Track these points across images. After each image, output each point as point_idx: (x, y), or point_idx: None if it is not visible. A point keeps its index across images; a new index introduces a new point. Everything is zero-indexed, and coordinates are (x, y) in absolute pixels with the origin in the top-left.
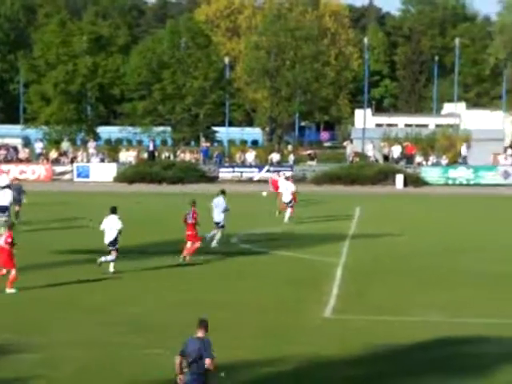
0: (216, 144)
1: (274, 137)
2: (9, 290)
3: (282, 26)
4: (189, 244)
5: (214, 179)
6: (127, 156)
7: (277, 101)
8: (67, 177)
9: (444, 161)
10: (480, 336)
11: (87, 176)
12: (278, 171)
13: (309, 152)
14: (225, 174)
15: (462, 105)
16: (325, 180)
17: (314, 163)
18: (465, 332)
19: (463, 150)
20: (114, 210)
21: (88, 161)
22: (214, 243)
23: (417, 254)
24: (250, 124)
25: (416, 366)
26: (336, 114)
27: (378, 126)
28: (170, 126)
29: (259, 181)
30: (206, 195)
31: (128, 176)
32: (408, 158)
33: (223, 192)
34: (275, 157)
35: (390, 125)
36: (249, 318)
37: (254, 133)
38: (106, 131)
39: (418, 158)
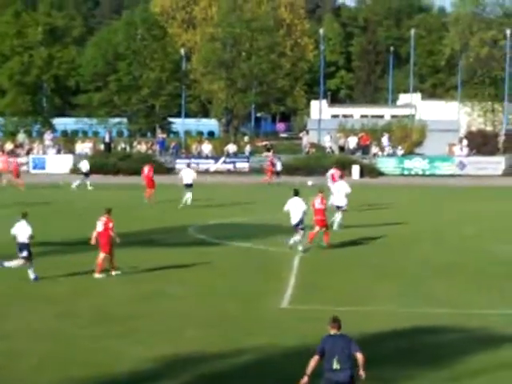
0: (172, 135)
1: (230, 128)
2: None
3: (238, 17)
4: (316, 228)
5: (170, 170)
6: (83, 147)
7: (233, 92)
8: (23, 168)
9: (400, 151)
10: (438, 326)
11: (43, 168)
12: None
13: (265, 143)
14: (181, 165)
15: (418, 95)
16: (281, 171)
17: (270, 154)
18: (423, 322)
19: (384, 141)
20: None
21: (44, 152)
22: (297, 246)
23: (374, 244)
24: (206, 115)
25: (375, 356)
26: (292, 105)
27: (334, 116)
28: (126, 117)
29: (216, 172)
30: (164, 186)
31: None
32: (364, 149)
33: (297, 192)
34: (231, 148)
35: (345, 116)
36: (205, 309)
37: (210, 124)
38: (61, 123)
39: (374, 149)
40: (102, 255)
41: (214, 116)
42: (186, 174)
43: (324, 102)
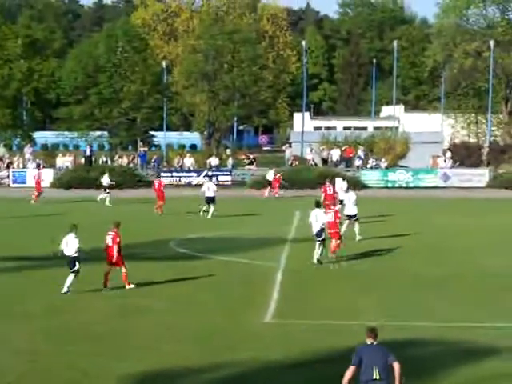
0: (154, 148)
1: (213, 141)
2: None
3: (220, 29)
4: (333, 242)
5: (151, 184)
6: (64, 161)
7: (215, 104)
8: (3, 182)
9: (383, 164)
10: (425, 339)
11: (24, 182)
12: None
13: (245, 155)
14: (163, 178)
15: (401, 108)
16: (264, 184)
17: (253, 167)
18: (410, 335)
19: (360, 154)
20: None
21: (24, 166)
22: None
23: (360, 257)
24: (188, 128)
25: None
26: (274, 117)
27: (317, 129)
28: (107, 130)
29: (198, 185)
30: (145, 200)
31: (65, 181)
32: (347, 161)
33: (319, 204)
34: (213, 161)
35: (328, 128)
36: (188, 324)
37: (192, 137)
38: (42, 136)
39: (357, 161)
40: (123, 269)
41: (195, 129)
42: (208, 188)
43: (307, 115)
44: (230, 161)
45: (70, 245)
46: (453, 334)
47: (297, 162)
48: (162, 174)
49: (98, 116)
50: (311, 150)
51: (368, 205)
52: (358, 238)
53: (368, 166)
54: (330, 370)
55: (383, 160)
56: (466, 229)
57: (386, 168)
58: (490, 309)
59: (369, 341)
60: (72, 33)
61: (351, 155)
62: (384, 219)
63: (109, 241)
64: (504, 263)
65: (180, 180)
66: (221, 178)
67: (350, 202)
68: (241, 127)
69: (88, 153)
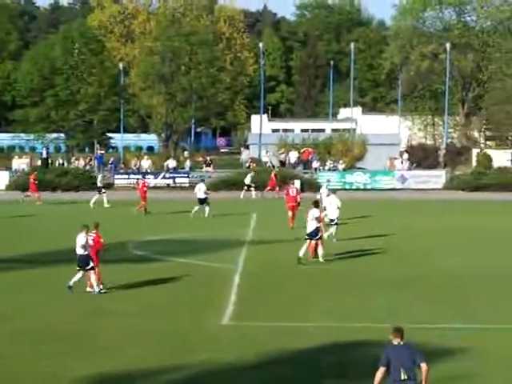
0: (111, 150)
1: (170, 143)
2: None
3: (177, 31)
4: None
5: (108, 186)
6: (20, 163)
7: (172, 106)
8: None
9: (341, 165)
10: (382, 340)
11: None
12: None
13: (203, 158)
14: (120, 180)
15: (358, 110)
16: (221, 186)
17: (210, 169)
18: (366, 336)
19: (292, 156)
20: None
21: None
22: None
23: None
24: (146, 130)
25: (312, 371)
26: (232, 119)
27: (275, 131)
28: (64, 132)
29: (155, 187)
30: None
31: (21, 184)
32: (305, 163)
33: (317, 204)
34: (171, 163)
35: (286, 130)
36: (146, 326)
37: (150, 139)
38: None
39: (315, 163)
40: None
41: (153, 131)
42: (199, 189)
43: (264, 117)
44: (188, 163)
45: (79, 244)
46: (409, 336)
47: (254, 164)
48: (119, 176)
49: (54, 118)
50: (266, 153)
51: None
52: (334, 241)
53: (326, 167)
54: (284, 371)
55: (341, 162)
56: (424, 230)
57: (344, 170)
58: (447, 310)
59: (395, 341)
60: (28, 34)
61: (309, 157)
62: (343, 221)
63: (90, 242)
64: (461, 264)
65: (137, 182)
66: (178, 180)
67: (332, 205)
68: (198, 129)
69: (44, 155)
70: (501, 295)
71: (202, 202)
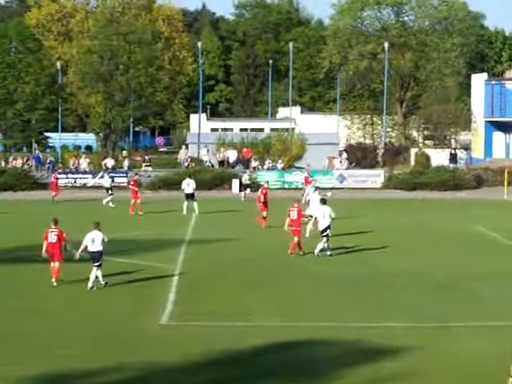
0: (48, 150)
1: (109, 142)
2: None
3: (115, 29)
4: (295, 239)
5: (46, 186)
6: None
7: (110, 106)
8: None
9: (279, 165)
10: (317, 339)
11: None
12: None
13: (141, 157)
14: (58, 180)
15: (297, 109)
16: (160, 186)
17: (149, 169)
18: (303, 336)
19: (231, 155)
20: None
21: None
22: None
23: (252, 258)
24: (84, 129)
25: (253, 370)
26: (171, 118)
27: (214, 130)
28: (1, 131)
29: (93, 187)
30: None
31: None
32: (244, 163)
33: (325, 201)
34: (109, 162)
35: (225, 129)
36: (82, 326)
37: (88, 138)
38: None
39: (254, 163)
40: (57, 264)
41: (91, 130)
42: (188, 184)
43: (203, 116)
44: (126, 162)
45: (96, 241)
46: (349, 334)
47: (193, 164)
48: (58, 175)
49: None
50: (207, 151)
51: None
52: (326, 253)
53: (265, 167)
54: (228, 372)
55: (280, 161)
56: (362, 229)
57: (283, 169)
58: (387, 308)
59: None
60: None
61: (249, 156)
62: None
63: (53, 238)
64: (400, 263)
65: (75, 182)
66: (117, 180)
67: (325, 217)
68: (137, 128)
69: None
70: (437, 293)
71: (191, 197)
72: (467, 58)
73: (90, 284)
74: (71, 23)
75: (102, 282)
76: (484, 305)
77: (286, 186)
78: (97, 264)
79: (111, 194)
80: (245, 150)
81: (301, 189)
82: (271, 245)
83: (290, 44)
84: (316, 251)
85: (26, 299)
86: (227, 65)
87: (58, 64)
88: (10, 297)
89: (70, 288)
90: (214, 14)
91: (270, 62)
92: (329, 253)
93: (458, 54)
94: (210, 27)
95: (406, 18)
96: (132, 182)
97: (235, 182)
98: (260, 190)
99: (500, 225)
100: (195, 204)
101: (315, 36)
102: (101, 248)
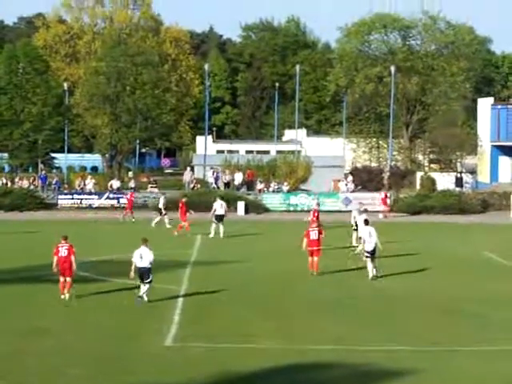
0: (55, 170)
1: (114, 163)
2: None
3: (122, 51)
4: (315, 259)
5: (52, 206)
6: None
7: (117, 127)
8: None
9: (285, 187)
10: (320, 362)
11: None
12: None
13: (147, 178)
14: (64, 200)
15: (303, 132)
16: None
17: (155, 190)
18: (306, 358)
19: (237, 177)
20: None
21: None
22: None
23: (257, 281)
24: (90, 150)
25: None
26: (177, 140)
27: (220, 152)
28: (8, 152)
29: (99, 207)
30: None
31: None
32: (249, 185)
33: (367, 222)
34: (115, 183)
35: (231, 151)
36: (89, 347)
37: (94, 159)
38: None
39: (259, 185)
40: (69, 279)
41: (97, 151)
42: (221, 205)
43: (209, 138)
44: (132, 183)
45: (144, 257)
46: (355, 358)
47: (199, 186)
48: (63, 196)
49: None
50: (213, 174)
51: (268, 228)
52: (371, 274)
53: (270, 189)
54: None
55: (285, 184)
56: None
57: (288, 191)
58: (393, 331)
59: None
60: None
61: (252, 178)
62: (283, 243)
63: (64, 252)
64: (407, 286)
65: (81, 202)
66: (122, 201)
67: (372, 237)
68: (143, 150)
69: None
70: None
71: (221, 219)
72: (474, 82)
73: (140, 294)
74: (79, 45)
75: (146, 299)
76: (491, 329)
77: (292, 208)
78: (147, 281)
79: (165, 215)
80: (248, 171)
81: (308, 211)
82: (277, 268)
83: (297, 67)
84: (371, 274)
85: (32, 319)
86: (234, 87)
87: (65, 85)
88: (18, 315)
89: (74, 309)
90: (221, 36)
91: (277, 84)
92: (375, 273)
93: (465, 78)
94: (217, 49)
95: (412, 42)
96: (180, 204)
97: (240, 204)
98: (311, 212)
99: (506, 249)
100: (221, 227)
101: (322, 59)
102: (149, 265)
